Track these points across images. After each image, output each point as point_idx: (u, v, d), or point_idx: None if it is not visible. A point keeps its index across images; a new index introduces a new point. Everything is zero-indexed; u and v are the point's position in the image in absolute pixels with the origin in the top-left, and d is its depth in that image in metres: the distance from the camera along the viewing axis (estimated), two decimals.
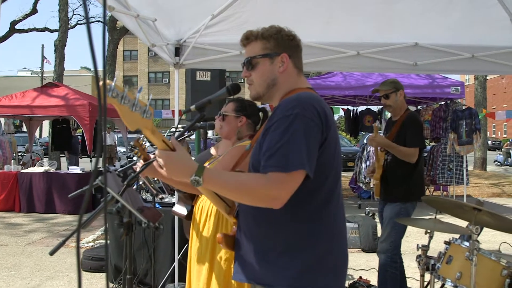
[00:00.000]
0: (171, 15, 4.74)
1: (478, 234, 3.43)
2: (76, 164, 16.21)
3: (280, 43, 2.19)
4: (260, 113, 3.38)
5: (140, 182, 5.34)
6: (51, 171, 11.58)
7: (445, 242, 3.79)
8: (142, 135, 2.89)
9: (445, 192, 12.57)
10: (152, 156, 2.68)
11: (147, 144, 2.73)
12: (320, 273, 2.05)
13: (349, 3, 4.61)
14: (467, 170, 11.14)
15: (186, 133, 3.17)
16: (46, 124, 21.42)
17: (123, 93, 1.71)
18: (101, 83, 1.34)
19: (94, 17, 27.10)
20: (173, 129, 3.17)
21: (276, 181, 1.90)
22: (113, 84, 1.67)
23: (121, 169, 2.89)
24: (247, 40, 2.25)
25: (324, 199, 2.07)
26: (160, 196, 5.57)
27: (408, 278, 5.23)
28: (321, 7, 4.70)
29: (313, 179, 1.96)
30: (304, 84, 2.25)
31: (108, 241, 6.10)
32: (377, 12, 4.70)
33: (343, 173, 17.82)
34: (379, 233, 6.14)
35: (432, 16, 4.70)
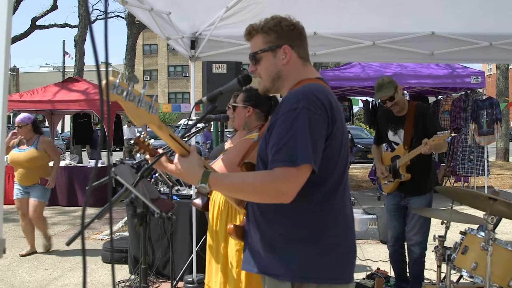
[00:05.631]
0: (185, 8, 4.75)
1: (496, 225, 3.42)
2: (98, 158, 16.40)
3: (280, 34, 2.17)
4: (272, 102, 3.37)
5: (157, 174, 5.39)
6: (73, 164, 11.75)
7: (461, 233, 3.77)
8: (143, 132, 2.92)
9: (466, 183, 12.45)
10: (160, 151, 2.72)
11: (152, 140, 2.77)
12: (324, 265, 2.05)
13: None
14: (488, 161, 11.01)
15: (198, 125, 3.20)
16: (68, 119, 21.66)
17: (127, 90, 1.73)
18: (103, 82, 1.36)
19: (113, 12, 27.29)
20: (188, 122, 3.20)
21: (284, 176, 1.91)
22: (117, 81, 1.69)
23: (136, 161, 2.93)
24: (249, 35, 2.24)
25: (328, 191, 2.07)
26: (176, 188, 5.61)
27: (426, 269, 5.23)
28: None
29: (318, 172, 1.95)
30: (312, 74, 2.22)
31: (127, 233, 6.18)
32: (392, 2, 4.65)
33: (363, 165, 17.85)
34: None
35: (448, 5, 4.63)
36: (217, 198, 3.32)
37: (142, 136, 2.82)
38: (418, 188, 4.74)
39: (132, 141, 2.76)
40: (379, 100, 4.81)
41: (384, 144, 5.23)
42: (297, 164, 1.89)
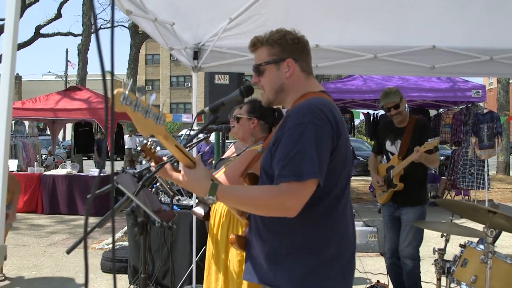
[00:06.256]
0: (189, 18, 4.78)
1: (495, 238, 3.41)
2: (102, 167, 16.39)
3: (285, 48, 2.18)
4: (275, 113, 3.39)
5: (158, 184, 5.40)
6: (73, 173, 11.75)
7: (461, 245, 3.77)
8: (150, 139, 2.94)
9: (466, 197, 12.44)
10: (164, 158, 2.73)
11: (158, 148, 2.79)
12: (325, 276, 2.06)
13: (365, 6, 4.61)
14: (488, 175, 11.02)
15: (200, 135, 3.21)
16: (69, 127, 21.76)
17: (136, 101, 1.75)
18: (114, 91, 1.38)
19: (116, 22, 27.38)
20: (189, 132, 3.22)
21: (290, 191, 1.92)
22: (126, 92, 1.71)
23: (137, 170, 2.95)
24: (254, 46, 2.25)
25: (332, 203, 2.08)
26: (176, 198, 5.61)
27: (426, 282, 5.24)
28: (338, 10, 4.70)
29: (323, 185, 1.97)
30: (316, 87, 2.24)
31: (127, 243, 6.17)
32: (393, 16, 4.67)
33: (364, 177, 17.87)
34: None
35: (449, 19, 4.66)
36: (218, 208, 3.33)
37: (149, 143, 2.84)
38: (410, 199, 4.77)
39: (139, 148, 2.78)
40: (382, 107, 4.87)
41: (384, 157, 5.26)
42: (304, 179, 1.91)
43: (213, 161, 12.72)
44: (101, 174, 1.20)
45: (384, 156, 5.20)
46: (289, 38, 2.19)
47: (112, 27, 1.11)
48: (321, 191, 1.99)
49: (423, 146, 4.46)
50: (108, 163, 15.45)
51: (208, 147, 12.94)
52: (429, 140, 4.45)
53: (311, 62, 2.29)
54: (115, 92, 1.68)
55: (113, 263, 1.13)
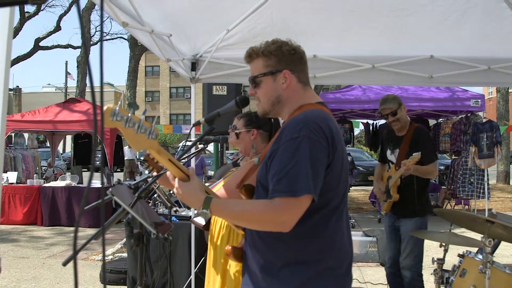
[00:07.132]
0: (186, 30, 4.79)
1: (495, 248, 3.40)
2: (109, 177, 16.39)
3: (281, 59, 2.16)
4: (271, 120, 3.37)
5: (155, 195, 5.39)
6: (73, 185, 11.74)
7: (459, 255, 3.76)
8: None
9: (466, 206, 12.40)
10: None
11: None
12: (324, 286, 2.05)
13: (363, 17, 4.63)
14: (488, 184, 11.00)
15: (196, 146, 3.21)
16: (69, 139, 21.81)
17: (127, 116, 1.75)
18: (104, 107, 1.37)
19: (116, 34, 27.50)
20: (186, 143, 3.22)
21: (285, 206, 1.91)
22: (117, 108, 1.71)
23: (134, 182, 2.94)
24: (249, 57, 2.23)
25: (327, 216, 2.07)
26: (174, 209, 5.60)
27: None
28: (335, 20, 4.72)
29: (318, 199, 1.96)
30: (313, 98, 2.22)
31: (125, 255, 6.15)
32: (391, 25, 4.69)
33: (363, 187, 17.83)
34: None
35: (446, 29, 4.67)
36: (218, 218, 3.32)
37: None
38: (407, 210, 4.72)
39: (142, 158, 2.78)
40: (381, 114, 4.85)
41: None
42: (298, 194, 1.90)
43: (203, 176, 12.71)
44: (96, 186, 1.20)
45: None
46: (285, 49, 2.17)
47: (101, 40, 1.11)
48: (316, 205, 1.98)
49: (408, 160, 4.44)
50: (99, 175, 15.43)
51: (197, 161, 12.82)
52: (413, 154, 4.42)
53: (308, 72, 2.28)
54: (105, 108, 1.68)
55: (104, 274, 1.12)
